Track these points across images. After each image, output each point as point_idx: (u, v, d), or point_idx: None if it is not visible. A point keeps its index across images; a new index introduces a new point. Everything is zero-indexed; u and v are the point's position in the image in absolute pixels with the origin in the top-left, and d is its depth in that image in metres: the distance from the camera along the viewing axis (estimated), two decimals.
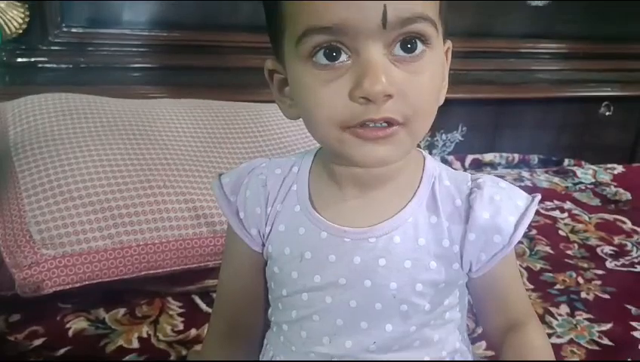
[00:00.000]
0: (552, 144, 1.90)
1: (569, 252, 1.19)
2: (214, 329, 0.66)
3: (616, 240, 1.25)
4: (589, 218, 1.35)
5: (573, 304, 1.02)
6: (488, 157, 1.76)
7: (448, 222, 0.55)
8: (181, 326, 0.91)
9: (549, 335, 0.93)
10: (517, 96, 1.82)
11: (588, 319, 0.98)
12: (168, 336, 0.89)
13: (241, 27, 1.49)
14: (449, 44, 0.54)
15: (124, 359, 0.83)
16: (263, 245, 0.60)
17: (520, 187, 0.60)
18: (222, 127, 1.23)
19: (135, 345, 0.86)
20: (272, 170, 0.59)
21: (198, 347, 0.85)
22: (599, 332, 0.94)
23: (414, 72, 0.48)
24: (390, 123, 0.48)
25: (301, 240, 0.56)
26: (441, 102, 0.54)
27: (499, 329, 0.60)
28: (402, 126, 0.49)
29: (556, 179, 1.54)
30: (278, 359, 0.59)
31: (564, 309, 1.00)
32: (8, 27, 1.31)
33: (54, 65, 1.40)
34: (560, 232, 1.27)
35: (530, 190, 1.38)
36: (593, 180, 1.55)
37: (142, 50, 1.47)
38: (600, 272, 1.12)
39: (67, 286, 0.88)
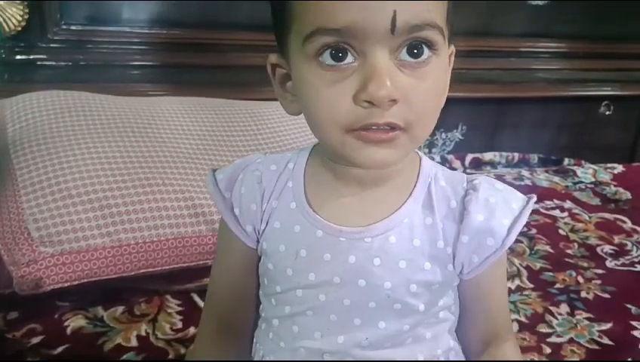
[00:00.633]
0: (552, 143, 1.90)
1: (569, 251, 1.19)
2: (206, 326, 0.65)
3: (616, 239, 1.25)
4: (589, 217, 1.35)
5: (573, 303, 1.01)
6: (488, 156, 1.76)
7: (443, 224, 0.55)
8: (180, 325, 0.91)
9: (549, 335, 0.93)
10: (517, 95, 1.82)
11: (588, 318, 0.98)
12: (167, 334, 0.88)
13: (241, 25, 1.49)
14: (452, 48, 0.54)
15: (122, 357, 0.83)
16: (258, 241, 0.59)
17: (520, 186, 0.60)
18: (221, 125, 1.23)
19: (133, 343, 0.86)
20: (267, 167, 0.59)
21: None
22: (599, 331, 0.94)
23: (420, 78, 0.48)
24: (393, 127, 0.48)
25: (296, 237, 0.56)
26: (442, 105, 0.53)
27: (479, 340, 0.60)
28: (404, 131, 0.49)
29: (556, 179, 1.53)
30: (267, 359, 0.59)
31: (564, 308, 1.00)
32: (7, 24, 1.30)
33: (53, 63, 1.39)
34: (560, 231, 1.27)
35: (530, 189, 1.39)
36: (593, 179, 1.55)
37: (141, 47, 1.46)
38: (600, 271, 1.12)
39: (65, 284, 0.88)
